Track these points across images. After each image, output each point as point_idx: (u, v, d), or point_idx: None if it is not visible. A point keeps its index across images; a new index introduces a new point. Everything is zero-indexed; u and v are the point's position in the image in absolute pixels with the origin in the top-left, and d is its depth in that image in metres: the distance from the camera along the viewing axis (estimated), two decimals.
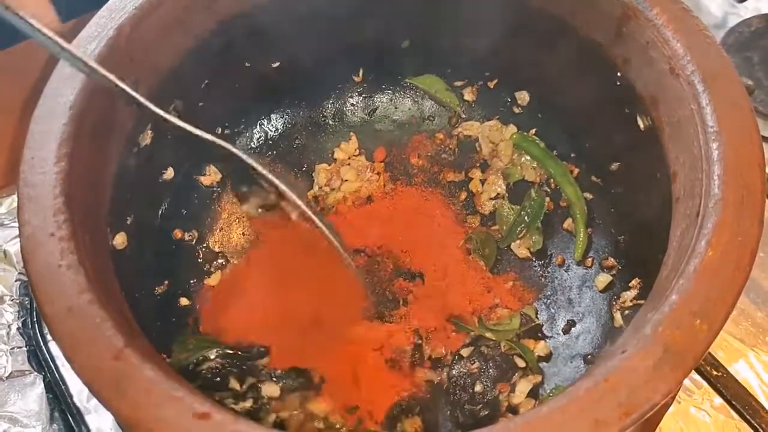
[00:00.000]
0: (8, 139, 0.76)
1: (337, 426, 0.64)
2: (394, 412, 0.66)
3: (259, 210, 0.69)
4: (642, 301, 0.63)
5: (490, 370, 0.69)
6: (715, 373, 0.70)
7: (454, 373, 0.69)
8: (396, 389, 0.68)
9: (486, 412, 0.67)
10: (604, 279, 0.72)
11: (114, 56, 0.58)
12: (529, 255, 0.76)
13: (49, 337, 0.77)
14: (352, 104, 0.85)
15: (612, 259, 0.72)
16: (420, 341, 0.70)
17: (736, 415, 0.69)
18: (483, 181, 0.80)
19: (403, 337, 0.70)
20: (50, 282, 0.47)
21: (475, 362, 0.70)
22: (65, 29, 0.80)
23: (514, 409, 0.67)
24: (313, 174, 0.81)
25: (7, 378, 0.74)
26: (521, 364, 0.69)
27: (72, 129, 0.53)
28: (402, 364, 0.69)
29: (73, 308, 0.46)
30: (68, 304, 0.46)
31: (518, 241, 0.76)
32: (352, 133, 0.84)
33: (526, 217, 0.76)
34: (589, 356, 0.68)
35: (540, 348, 0.70)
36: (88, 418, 0.72)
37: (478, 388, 0.68)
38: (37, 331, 0.77)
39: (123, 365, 0.44)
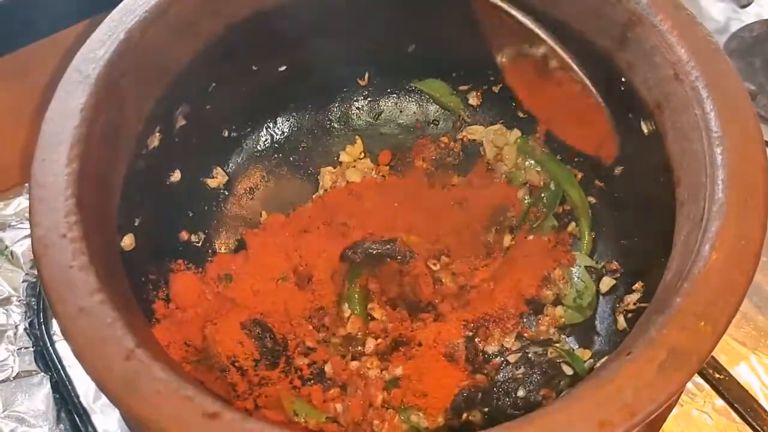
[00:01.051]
0: (18, 140, 0.77)
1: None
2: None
3: None
4: (645, 304, 0.63)
5: (536, 376, 0.68)
6: (717, 375, 0.71)
7: (499, 378, 0.69)
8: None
9: None
10: (607, 282, 0.72)
11: (124, 59, 0.59)
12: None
13: (55, 337, 0.77)
14: (358, 108, 0.86)
15: (615, 263, 0.73)
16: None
17: (737, 418, 0.70)
18: None
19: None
20: (62, 282, 0.48)
21: (520, 368, 0.69)
22: (76, 31, 0.81)
23: None
24: (319, 177, 0.82)
25: (14, 378, 0.75)
26: (569, 371, 0.68)
27: (83, 131, 0.54)
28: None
29: (85, 309, 0.47)
30: (80, 305, 0.47)
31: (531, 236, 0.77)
32: (357, 137, 0.84)
33: (543, 205, 0.78)
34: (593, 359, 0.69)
35: (587, 354, 0.69)
36: (94, 418, 0.73)
37: (521, 393, 0.68)
38: (44, 331, 0.78)
39: (134, 365, 0.45)
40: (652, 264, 0.64)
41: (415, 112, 0.86)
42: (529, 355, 0.70)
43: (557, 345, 0.70)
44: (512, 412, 0.67)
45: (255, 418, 0.43)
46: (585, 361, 0.68)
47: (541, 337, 0.71)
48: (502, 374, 0.69)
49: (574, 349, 0.70)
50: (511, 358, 0.70)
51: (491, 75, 0.82)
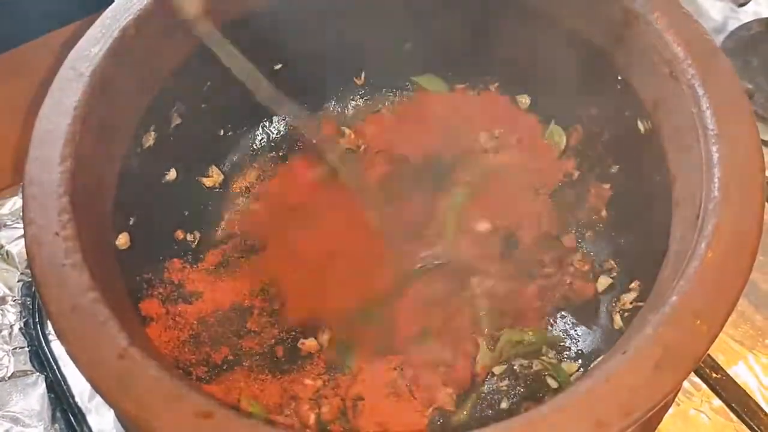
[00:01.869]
0: (13, 140, 0.77)
1: None
2: None
3: None
4: (641, 304, 0.63)
5: (520, 388, 0.68)
6: (714, 375, 0.71)
7: (484, 389, 0.68)
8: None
9: None
10: (603, 281, 0.72)
11: (118, 58, 0.59)
12: None
13: (51, 337, 0.77)
14: (354, 107, 0.86)
15: (611, 262, 0.73)
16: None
17: (735, 418, 0.70)
18: None
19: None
20: (55, 281, 0.47)
21: (505, 380, 0.69)
22: (69, 31, 0.81)
23: None
24: None
25: (9, 378, 0.74)
26: (553, 384, 0.68)
27: (77, 129, 0.54)
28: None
29: (78, 307, 0.46)
30: (72, 303, 0.47)
31: None
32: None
33: None
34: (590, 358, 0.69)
35: (573, 368, 0.69)
36: (89, 418, 0.72)
37: (504, 405, 0.67)
38: (39, 331, 0.77)
39: (127, 364, 0.44)
40: (648, 263, 0.64)
41: None
42: (515, 367, 0.69)
43: (543, 358, 0.70)
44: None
45: (248, 419, 0.43)
46: (571, 375, 0.68)
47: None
48: (487, 386, 0.69)
49: (561, 362, 0.69)
50: (497, 370, 0.69)
51: (487, 74, 0.82)
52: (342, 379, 0.68)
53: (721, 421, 0.73)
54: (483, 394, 0.68)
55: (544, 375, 0.69)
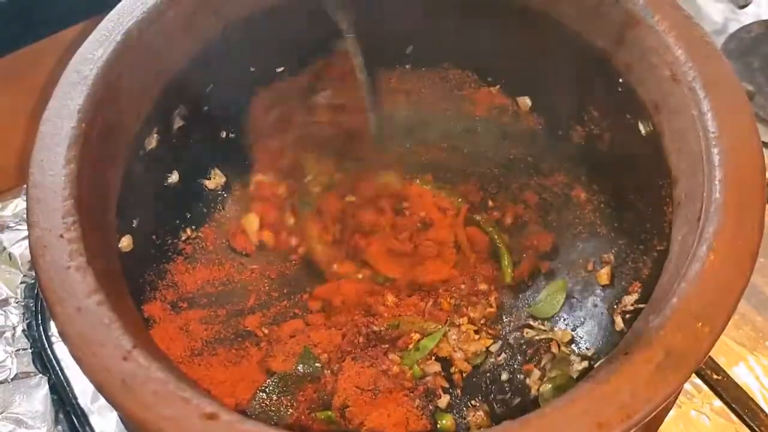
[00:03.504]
0: (16, 142, 0.77)
1: None
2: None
3: None
4: (642, 305, 0.63)
5: (517, 357, 0.70)
6: (715, 376, 0.71)
7: (485, 368, 0.70)
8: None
9: (518, 399, 0.67)
10: (605, 275, 0.72)
11: (122, 60, 0.59)
12: None
13: (53, 338, 0.77)
14: None
15: (613, 263, 0.73)
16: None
17: (736, 419, 0.70)
18: None
19: None
20: (59, 283, 0.48)
21: (501, 354, 0.70)
22: (73, 34, 0.81)
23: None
24: None
25: (12, 380, 0.75)
26: (553, 348, 0.70)
27: (81, 131, 0.54)
28: None
29: (82, 309, 0.47)
30: (77, 305, 0.47)
31: None
32: None
33: None
34: (591, 359, 0.69)
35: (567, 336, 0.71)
36: (92, 420, 0.73)
37: (504, 376, 0.69)
38: (42, 333, 0.78)
39: (132, 366, 0.45)
40: (649, 265, 0.65)
41: None
42: (510, 341, 0.71)
43: (534, 326, 0.71)
44: (501, 397, 0.68)
45: (252, 420, 0.43)
46: (567, 343, 0.70)
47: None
48: (487, 364, 0.70)
49: (553, 330, 0.71)
50: (493, 348, 0.71)
51: (488, 76, 0.82)
52: None
53: (722, 422, 0.73)
54: (484, 372, 0.70)
55: (537, 340, 0.70)
